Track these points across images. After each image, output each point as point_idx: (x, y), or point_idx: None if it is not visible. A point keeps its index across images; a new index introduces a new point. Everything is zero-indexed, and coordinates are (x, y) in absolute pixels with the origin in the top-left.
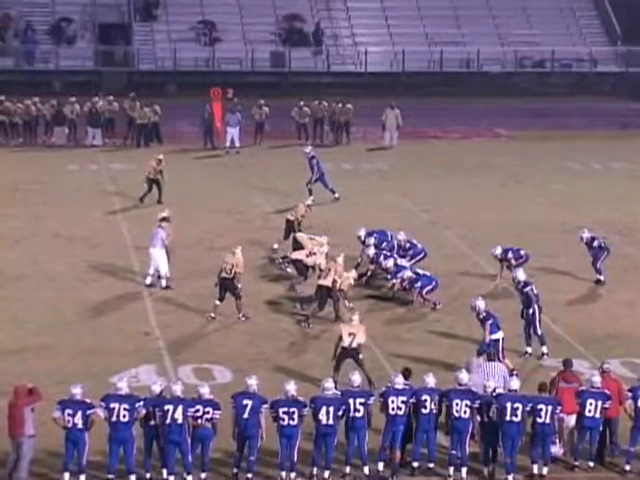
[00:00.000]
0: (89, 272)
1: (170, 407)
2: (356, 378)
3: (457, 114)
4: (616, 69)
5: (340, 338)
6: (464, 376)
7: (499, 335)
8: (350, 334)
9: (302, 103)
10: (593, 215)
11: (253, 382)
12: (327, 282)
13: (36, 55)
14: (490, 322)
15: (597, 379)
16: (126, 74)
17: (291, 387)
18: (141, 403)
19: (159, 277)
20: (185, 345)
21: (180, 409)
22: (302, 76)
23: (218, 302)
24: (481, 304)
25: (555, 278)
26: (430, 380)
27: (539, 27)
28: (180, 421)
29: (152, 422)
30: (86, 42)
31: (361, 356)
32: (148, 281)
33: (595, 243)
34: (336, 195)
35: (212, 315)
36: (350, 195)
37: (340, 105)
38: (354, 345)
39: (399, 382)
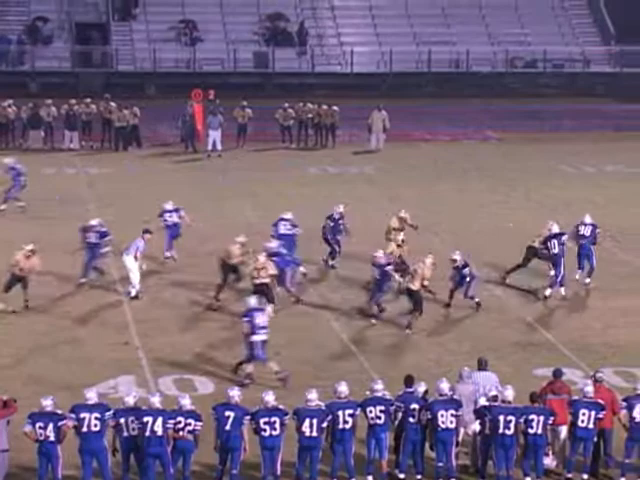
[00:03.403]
0: (66, 280)
1: (149, 419)
2: (343, 389)
3: (446, 116)
4: (609, 69)
5: None
6: (444, 386)
7: (260, 337)
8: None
9: (286, 105)
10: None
11: (235, 393)
12: (416, 286)
13: (11, 55)
14: (247, 320)
15: (590, 389)
16: (104, 75)
17: (270, 397)
18: (110, 412)
19: (131, 285)
20: (166, 355)
21: (160, 421)
22: (286, 77)
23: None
24: (251, 301)
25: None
26: (421, 389)
27: (530, 26)
28: (160, 433)
29: (125, 434)
30: (63, 42)
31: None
32: (132, 293)
33: (466, 270)
34: (21, 204)
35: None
36: (337, 200)
37: (326, 107)
38: None
39: (378, 390)
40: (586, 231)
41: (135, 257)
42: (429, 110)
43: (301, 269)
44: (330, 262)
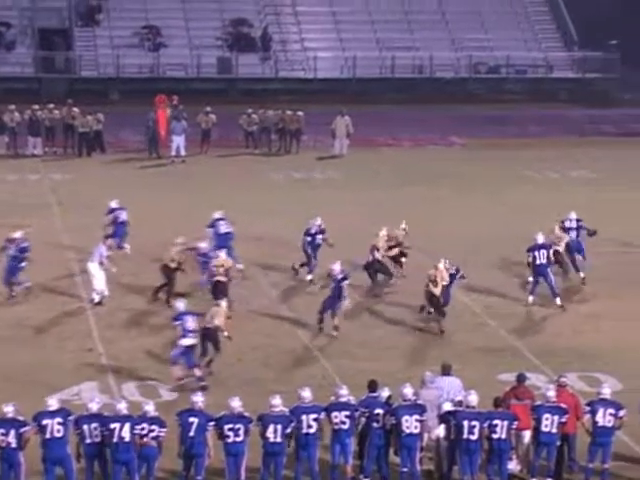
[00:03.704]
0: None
1: (117, 425)
2: (307, 395)
3: (409, 121)
4: (572, 75)
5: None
6: (408, 391)
7: (189, 342)
8: (212, 316)
9: (250, 110)
10: (551, 225)
11: (198, 399)
12: (438, 291)
13: None
14: (179, 324)
15: (551, 393)
16: (67, 81)
17: (236, 404)
18: (73, 417)
19: (94, 292)
20: (129, 361)
21: (127, 427)
22: (250, 82)
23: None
24: (180, 305)
25: (516, 290)
26: (385, 394)
27: (493, 32)
28: (127, 439)
29: (88, 440)
30: (25, 48)
31: (220, 337)
32: (96, 299)
33: (458, 275)
34: None
35: None
36: (303, 205)
37: (291, 113)
38: (210, 325)
39: (343, 395)
40: (573, 225)
41: (100, 263)
42: (393, 115)
43: (238, 266)
44: (309, 277)
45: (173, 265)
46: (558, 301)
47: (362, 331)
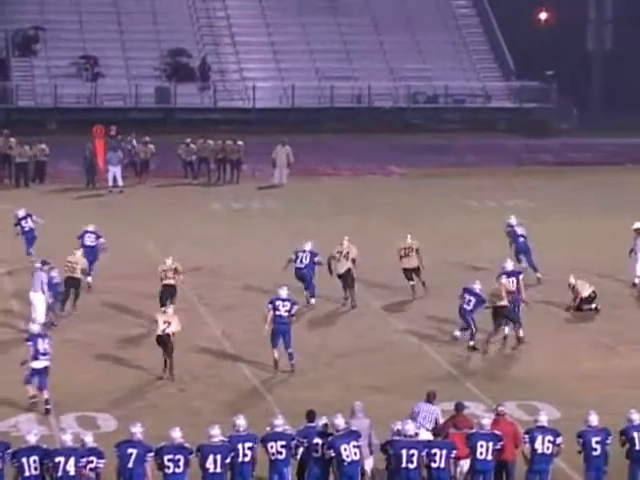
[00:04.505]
0: None
1: (61, 459)
2: (241, 422)
3: (349, 151)
4: (510, 105)
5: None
6: (340, 421)
7: (41, 364)
8: (165, 322)
9: (189, 140)
10: (489, 254)
11: (137, 430)
12: (505, 301)
13: None
14: (31, 345)
15: (486, 421)
16: (4, 111)
17: (177, 434)
18: (10, 450)
19: (32, 321)
20: (68, 392)
21: (72, 460)
22: (188, 112)
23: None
24: (34, 328)
25: (454, 319)
26: (321, 423)
27: (432, 62)
28: (72, 473)
29: (27, 473)
30: None
31: (172, 343)
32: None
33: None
34: None
35: None
36: (243, 235)
37: (231, 142)
38: (167, 331)
39: (279, 425)
40: (522, 231)
41: (42, 291)
42: (332, 145)
43: (89, 279)
44: (311, 301)
45: (77, 275)
46: (506, 330)
47: (307, 360)
